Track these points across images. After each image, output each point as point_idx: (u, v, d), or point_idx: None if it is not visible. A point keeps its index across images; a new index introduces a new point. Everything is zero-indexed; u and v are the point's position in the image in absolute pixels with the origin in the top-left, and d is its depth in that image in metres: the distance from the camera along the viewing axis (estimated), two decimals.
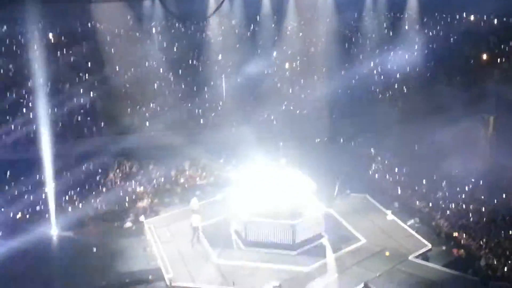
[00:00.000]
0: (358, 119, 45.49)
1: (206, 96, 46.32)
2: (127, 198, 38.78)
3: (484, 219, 34.33)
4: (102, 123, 42.92)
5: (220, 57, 48.03)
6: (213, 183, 41.34)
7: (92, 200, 38.17)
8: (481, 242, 32.38)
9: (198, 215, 35.27)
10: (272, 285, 29.44)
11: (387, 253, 32.48)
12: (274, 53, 49.12)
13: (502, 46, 47.10)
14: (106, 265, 31.83)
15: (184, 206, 38.63)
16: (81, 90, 44.52)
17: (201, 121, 45.13)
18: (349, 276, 30.41)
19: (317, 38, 48.73)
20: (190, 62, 48.85)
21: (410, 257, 32.05)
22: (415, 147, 43.13)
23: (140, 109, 44.38)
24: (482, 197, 36.67)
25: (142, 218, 36.86)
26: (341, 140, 45.22)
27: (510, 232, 32.52)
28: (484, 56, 47.46)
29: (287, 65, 48.52)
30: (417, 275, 30.31)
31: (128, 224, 36.61)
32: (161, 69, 46.72)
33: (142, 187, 39.70)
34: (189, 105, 45.95)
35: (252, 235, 33.16)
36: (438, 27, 50.71)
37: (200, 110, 45.70)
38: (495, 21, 47.65)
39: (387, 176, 41.21)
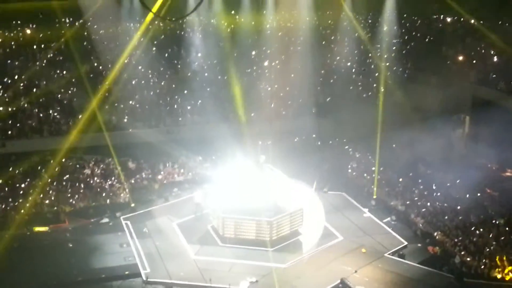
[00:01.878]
0: (337, 118, 45.75)
1: (185, 93, 46.17)
2: (104, 194, 38.64)
3: (459, 217, 34.77)
4: (80, 120, 42.55)
5: (199, 54, 47.94)
6: (191, 180, 41.39)
7: (69, 196, 38.03)
8: (456, 240, 32.83)
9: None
10: (249, 281, 29.58)
11: (363, 250, 32.79)
12: (253, 52, 49.15)
13: (478, 47, 47.66)
14: (83, 261, 31.63)
15: (162, 203, 38.70)
16: (59, 86, 44.18)
17: (180, 119, 44.94)
18: (326, 273, 30.64)
19: (296, 37, 48.88)
20: (169, 60, 48.63)
21: (386, 254, 32.41)
22: (392, 146, 43.53)
23: (118, 106, 44.08)
24: (457, 196, 37.11)
25: (119, 214, 36.76)
26: (320, 139, 45.43)
27: (484, 230, 32.94)
28: (460, 57, 47.98)
29: (266, 63, 48.59)
30: (393, 272, 30.66)
31: (105, 220, 36.47)
32: (139, 66, 46.49)
33: (118, 184, 39.55)
34: (168, 102, 45.79)
35: (230, 231, 33.24)
36: (415, 28, 51.26)
37: (179, 108, 45.52)
38: (472, 21, 48.18)
39: (365, 175, 41.62)
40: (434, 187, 38.35)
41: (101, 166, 41.39)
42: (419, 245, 33.80)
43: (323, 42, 49.39)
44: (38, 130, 41.76)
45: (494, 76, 45.18)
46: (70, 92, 44.37)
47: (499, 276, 30.14)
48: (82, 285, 29.57)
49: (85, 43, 46.83)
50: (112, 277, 30.26)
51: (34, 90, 43.87)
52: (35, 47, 46.33)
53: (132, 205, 37.82)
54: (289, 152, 41.97)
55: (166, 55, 48.58)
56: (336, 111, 46.22)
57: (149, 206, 38.19)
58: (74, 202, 37.76)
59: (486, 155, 41.14)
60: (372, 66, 47.81)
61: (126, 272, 30.64)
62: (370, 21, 49.46)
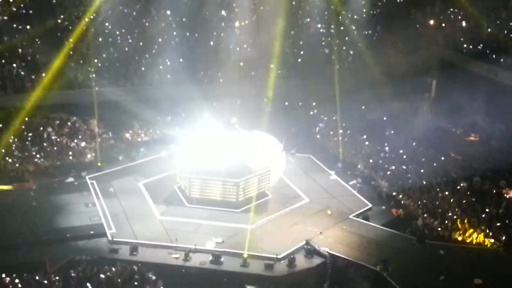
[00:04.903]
0: (306, 80, 45.60)
1: (153, 52, 45.37)
2: (69, 153, 38.14)
3: (423, 180, 35.30)
4: (45, 77, 41.55)
5: (168, 12, 47.01)
6: (158, 140, 41.09)
7: (33, 155, 37.45)
8: (419, 203, 33.40)
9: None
10: (215, 242, 29.74)
11: (329, 212, 33.20)
12: (223, 12, 48.39)
13: (447, 11, 47.69)
14: (47, 220, 31.37)
15: (128, 162, 38.40)
16: (23, 42, 43.00)
17: (147, 78, 44.22)
18: (291, 234, 31.00)
19: None
20: (137, 17, 47.54)
21: (351, 216, 32.86)
22: (360, 109, 43.74)
23: (84, 63, 43.14)
24: (423, 159, 37.58)
25: (84, 173, 36.38)
26: (288, 100, 45.35)
27: (446, 193, 33.54)
28: (429, 21, 47.98)
29: (236, 24, 47.93)
30: (357, 234, 31.16)
31: (70, 179, 36.06)
32: (106, 23, 45.40)
33: (84, 143, 39.04)
34: (136, 61, 44.98)
35: (196, 192, 33.24)
36: None
37: (147, 67, 44.79)
38: None
39: (332, 138, 41.82)
40: (399, 151, 38.74)
41: (67, 124, 40.73)
42: (383, 207, 34.35)
43: (293, 2, 48.77)
44: (1, 87, 40.66)
45: (461, 40, 45.38)
46: (34, 47, 43.12)
47: (460, 238, 30.81)
48: (47, 244, 29.32)
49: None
50: (77, 236, 30.11)
51: None
52: None
53: (99, 164, 37.42)
54: (257, 113, 41.80)
55: (134, 12, 47.42)
56: (305, 73, 46.05)
57: (115, 166, 37.95)
58: (38, 161, 37.19)
59: (451, 119, 41.65)
60: (342, 28, 47.52)
61: (91, 232, 30.51)
62: None
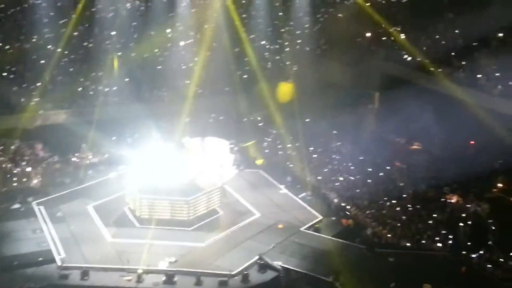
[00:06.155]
0: (252, 95, 45.99)
1: (98, 74, 45.00)
2: (14, 179, 37.33)
3: (370, 190, 36.06)
4: None
5: (112, 33, 46.76)
6: (106, 162, 40.67)
7: None
8: (368, 212, 34.08)
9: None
10: (168, 261, 29.58)
11: (280, 226, 33.45)
12: (168, 30, 48.48)
13: (386, 25, 48.90)
14: None
15: (76, 186, 37.83)
16: None
17: (93, 100, 43.77)
18: (244, 250, 31.14)
19: (210, 14, 48.53)
20: (80, 38, 47.10)
21: (302, 229, 33.21)
22: (305, 122, 44.33)
23: (27, 87, 42.41)
24: (370, 169, 38.38)
25: (31, 199, 35.65)
26: (235, 116, 45.67)
27: (393, 201, 34.34)
28: (369, 34, 49.12)
29: (181, 43, 48.10)
30: (308, 246, 31.54)
31: (16, 205, 35.26)
32: (48, 45, 44.81)
33: (30, 168, 38.29)
34: (80, 82, 44.51)
35: (147, 212, 33.03)
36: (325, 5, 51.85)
37: (92, 88, 44.35)
38: (383, 1, 49.36)
39: (280, 151, 42.25)
40: (347, 162, 39.45)
41: (11, 149, 39.81)
42: (333, 218, 34.84)
43: (236, 23, 49.33)
44: None
45: (401, 52, 46.58)
46: None
47: (408, 244, 31.55)
48: None
49: None
50: (25, 264, 29.33)
51: None
52: None
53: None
54: (205, 130, 41.98)
55: (77, 33, 46.95)
56: (251, 89, 46.48)
57: (63, 190, 37.29)
58: None
59: (394, 130, 42.65)
60: (286, 43, 48.23)
61: (40, 259, 29.83)
62: None
